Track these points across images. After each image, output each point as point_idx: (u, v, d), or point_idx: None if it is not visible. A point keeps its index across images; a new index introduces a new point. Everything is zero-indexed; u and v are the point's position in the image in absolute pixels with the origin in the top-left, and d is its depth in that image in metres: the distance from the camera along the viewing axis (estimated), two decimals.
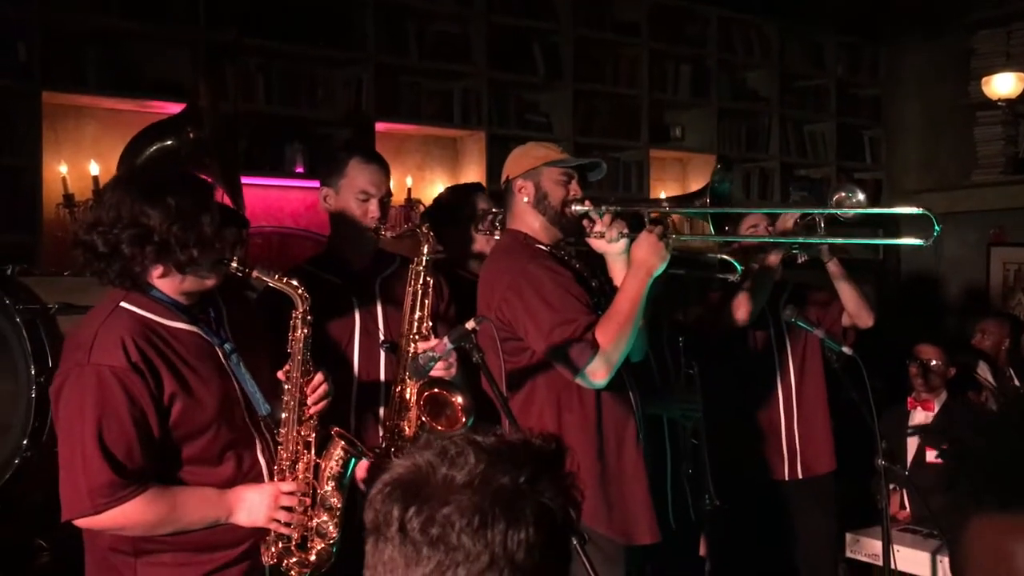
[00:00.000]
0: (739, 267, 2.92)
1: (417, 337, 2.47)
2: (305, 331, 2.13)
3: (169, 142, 3.21)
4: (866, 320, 3.44)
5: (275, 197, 4.54)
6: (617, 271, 2.55)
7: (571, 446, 2.36)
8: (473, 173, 5.01)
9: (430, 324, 2.50)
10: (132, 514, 1.88)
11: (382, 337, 2.60)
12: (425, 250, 2.53)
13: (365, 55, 4.63)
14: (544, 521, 0.96)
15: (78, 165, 4.04)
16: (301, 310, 2.13)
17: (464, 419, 2.35)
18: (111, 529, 1.91)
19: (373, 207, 2.64)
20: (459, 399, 2.36)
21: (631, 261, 2.42)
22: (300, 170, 4.47)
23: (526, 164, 2.61)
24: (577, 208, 2.55)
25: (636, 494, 2.52)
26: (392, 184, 4.89)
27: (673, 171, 6.00)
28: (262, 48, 4.40)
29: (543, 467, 1.00)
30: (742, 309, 3.26)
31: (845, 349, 2.90)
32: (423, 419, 2.38)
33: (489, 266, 2.62)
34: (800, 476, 3.43)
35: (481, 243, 3.12)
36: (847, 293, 3.41)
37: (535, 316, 2.39)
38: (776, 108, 6.15)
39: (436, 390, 2.39)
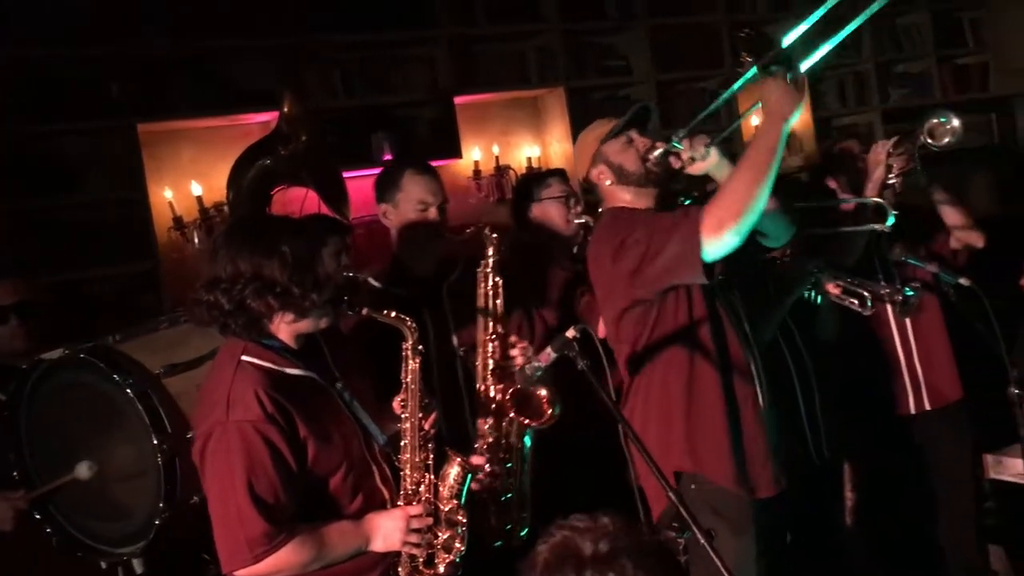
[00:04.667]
0: (890, 212, 2.79)
1: (494, 337, 2.49)
2: (417, 361, 2.19)
3: (267, 162, 3.31)
4: (977, 241, 3.27)
5: (369, 187, 4.60)
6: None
7: (702, 408, 2.41)
8: (557, 130, 4.98)
9: (503, 324, 2.52)
10: (288, 557, 1.99)
11: (456, 342, 2.65)
12: (490, 252, 2.54)
13: (436, 32, 4.65)
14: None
15: (181, 187, 4.22)
16: (411, 342, 2.19)
17: (550, 410, 2.33)
18: (269, 574, 2.01)
19: (433, 214, 2.70)
20: (543, 391, 2.34)
21: (764, 112, 2.31)
22: (388, 157, 4.53)
23: (588, 153, 2.63)
24: (655, 155, 2.53)
25: (758, 449, 2.54)
26: (479, 154, 4.96)
27: None
28: (335, 43, 4.46)
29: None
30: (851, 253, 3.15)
31: (962, 281, 2.79)
32: (512, 416, 2.39)
33: (593, 246, 2.64)
34: (928, 407, 3.34)
35: (574, 227, 3.15)
36: (953, 218, 3.25)
37: (643, 246, 2.38)
38: (863, 5, 5.85)
39: (520, 387, 2.39)
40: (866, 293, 2.94)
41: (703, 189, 2.66)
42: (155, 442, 2.17)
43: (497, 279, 2.53)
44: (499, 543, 2.47)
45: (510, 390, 2.37)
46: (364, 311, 2.15)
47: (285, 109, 3.40)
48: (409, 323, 2.19)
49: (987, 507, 3.79)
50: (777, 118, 2.27)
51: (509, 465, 2.47)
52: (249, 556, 1.95)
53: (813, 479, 3.24)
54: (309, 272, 2.03)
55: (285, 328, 2.09)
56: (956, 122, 2.87)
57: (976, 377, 3.39)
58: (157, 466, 2.18)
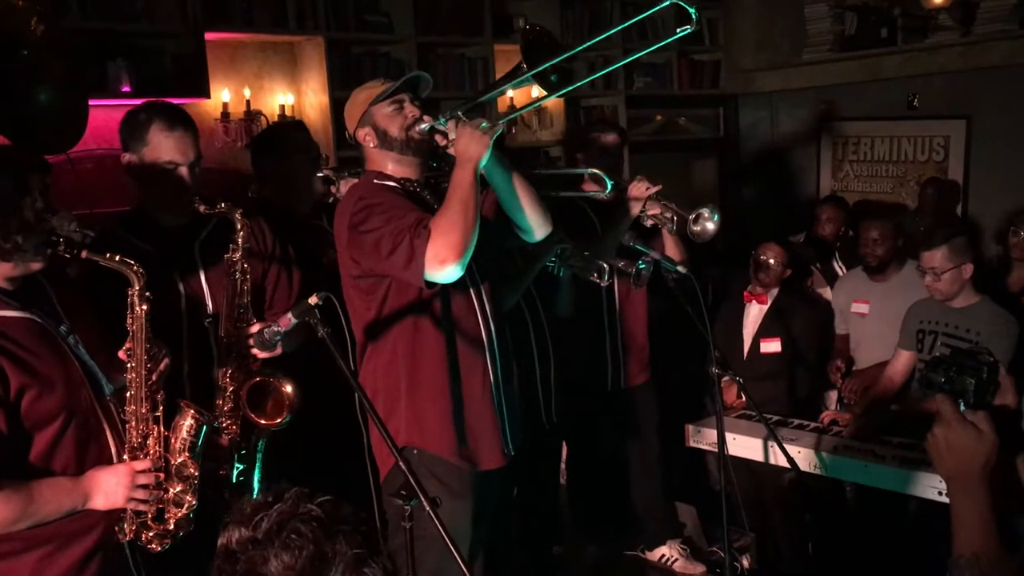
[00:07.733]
0: (609, 182, 2.94)
1: (242, 325, 2.42)
2: (144, 307, 2.09)
3: None
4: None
5: (103, 118, 4.28)
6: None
7: (426, 383, 2.46)
8: (314, 80, 4.86)
9: (251, 311, 2.46)
10: None
11: (210, 307, 2.52)
12: (240, 238, 2.42)
13: None
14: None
15: None
16: (137, 287, 2.08)
17: (287, 413, 2.33)
18: None
19: (183, 174, 2.48)
20: (288, 388, 2.32)
21: (456, 155, 2.42)
22: (127, 88, 4.24)
23: (356, 113, 2.58)
24: (420, 127, 2.53)
25: (484, 422, 2.61)
26: (228, 96, 4.73)
27: None
28: None
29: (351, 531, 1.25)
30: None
31: (680, 268, 3.06)
32: (244, 413, 2.36)
33: (341, 204, 2.60)
34: (623, 385, 3.74)
35: (317, 184, 3.09)
36: (672, 248, 3.59)
37: (376, 236, 2.39)
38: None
39: (262, 379, 2.36)
40: (605, 265, 3.16)
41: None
42: None
43: (245, 265, 2.44)
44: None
45: (248, 382, 2.31)
46: (83, 254, 2.01)
47: None
48: (135, 267, 2.07)
49: (684, 471, 4.23)
50: (465, 161, 2.38)
51: (243, 452, 2.42)
52: None
53: (542, 442, 3.47)
54: (13, 214, 1.90)
55: None
56: (712, 226, 3.24)
57: (685, 357, 3.76)
58: None
